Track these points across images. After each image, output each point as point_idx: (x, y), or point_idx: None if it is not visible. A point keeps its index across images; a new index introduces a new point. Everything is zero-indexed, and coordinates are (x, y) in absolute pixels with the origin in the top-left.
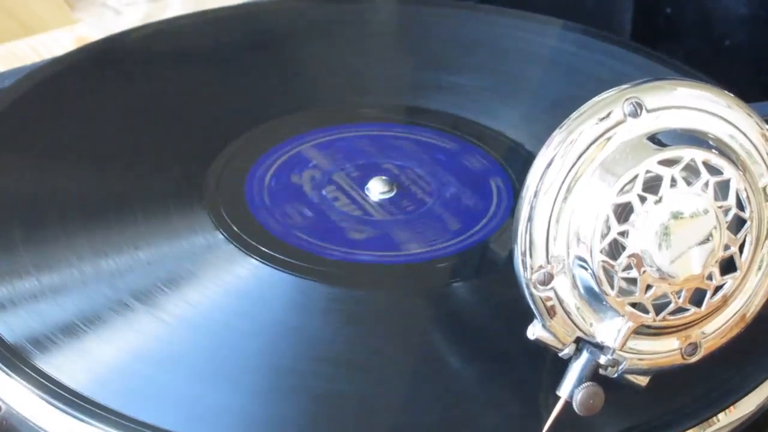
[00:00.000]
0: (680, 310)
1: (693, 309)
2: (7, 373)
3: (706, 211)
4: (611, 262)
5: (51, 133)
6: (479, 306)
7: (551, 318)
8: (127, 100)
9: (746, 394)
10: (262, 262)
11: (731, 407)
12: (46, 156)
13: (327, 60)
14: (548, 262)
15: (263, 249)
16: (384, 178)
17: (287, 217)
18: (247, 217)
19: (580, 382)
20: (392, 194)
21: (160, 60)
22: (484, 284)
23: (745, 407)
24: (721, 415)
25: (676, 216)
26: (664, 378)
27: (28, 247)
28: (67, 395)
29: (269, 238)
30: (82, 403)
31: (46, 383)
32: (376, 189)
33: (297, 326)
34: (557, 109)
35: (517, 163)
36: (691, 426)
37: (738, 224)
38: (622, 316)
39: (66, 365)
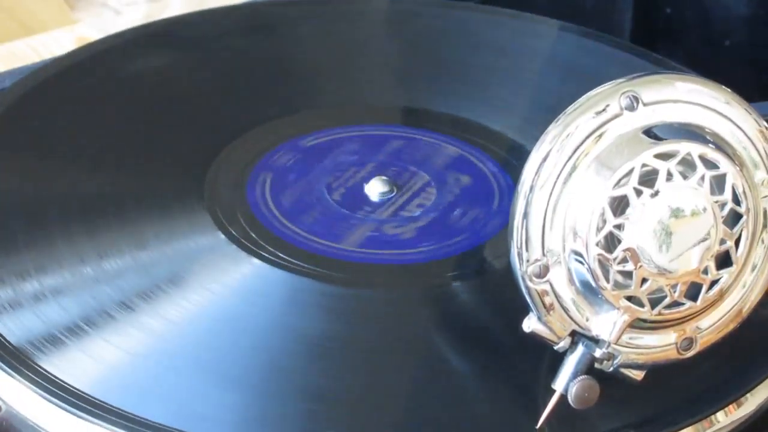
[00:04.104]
0: (676, 304)
1: (688, 303)
2: (7, 373)
3: (704, 208)
4: (607, 255)
5: (51, 133)
6: (479, 306)
7: (547, 311)
8: (128, 100)
9: (746, 394)
10: (263, 262)
11: (731, 407)
12: (46, 156)
13: (327, 60)
14: (544, 256)
15: (264, 249)
16: (384, 178)
17: (287, 217)
18: (248, 217)
19: (575, 375)
20: (392, 194)
21: (161, 60)
22: (485, 284)
23: (745, 407)
24: (721, 416)
25: (674, 213)
26: (664, 377)
27: (29, 247)
28: (67, 394)
29: (270, 238)
30: (82, 402)
31: (46, 383)
32: (376, 189)
33: (297, 326)
34: (557, 109)
35: (517, 163)
36: (691, 425)
37: (734, 219)
38: (618, 309)
39: (67, 365)
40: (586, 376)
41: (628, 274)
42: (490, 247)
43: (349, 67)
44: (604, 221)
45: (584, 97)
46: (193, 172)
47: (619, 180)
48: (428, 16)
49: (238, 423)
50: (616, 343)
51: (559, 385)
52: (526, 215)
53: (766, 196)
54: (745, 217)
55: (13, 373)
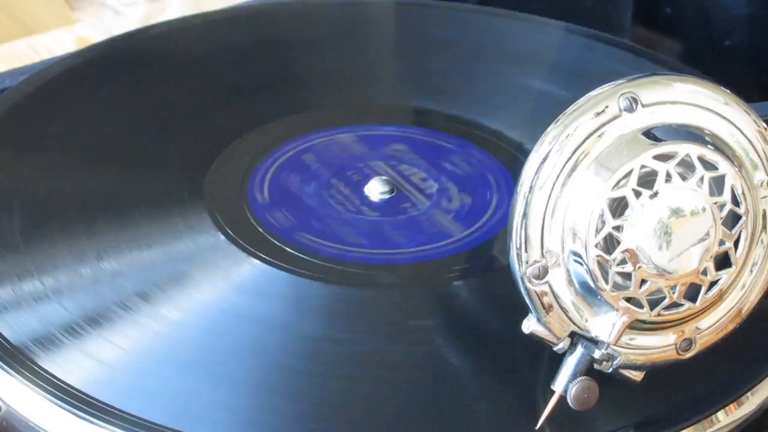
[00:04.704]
0: (675, 305)
1: (687, 304)
2: (7, 372)
3: (704, 209)
4: (606, 256)
5: (52, 133)
6: (479, 305)
7: (546, 313)
8: (128, 101)
9: (746, 393)
10: (263, 262)
11: (731, 407)
12: (47, 156)
13: (327, 60)
14: (543, 257)
15: (264, 249)
16: (384, 178)
17: (288, 217)
18: (248, 218)
19: (574, 376)
20: (392, 195)
21: (161, 61)
22: (484, 283)
23: (745, 407)
24: (721, 415)
25: (674, 213)
26: (664, 377)
27: (29, 247)
28: (67, 394)
29: (270, 238)
30: (82, 401)
31: (47, 382)
32: (376, 189)
33: (298, 326)
34: (557, 108)
35: (517, 162)
36: (691, 424)
37: (733, 219)
38: (617, 310)
39: (67, 365)
40: (585, 377)
41: (627, 276)
42: (490, 247)
43: (349, 67)
44: (603, 222)
45: (584, 98)
46: (193, 173)
47: (618, 181)
48: (428, 16)
49: (238, 424)
50: (615, 344)
51: (558, 385)
52: (525, 216)
53: (765, 197)
54: (744, 218)
55: (14, 373)
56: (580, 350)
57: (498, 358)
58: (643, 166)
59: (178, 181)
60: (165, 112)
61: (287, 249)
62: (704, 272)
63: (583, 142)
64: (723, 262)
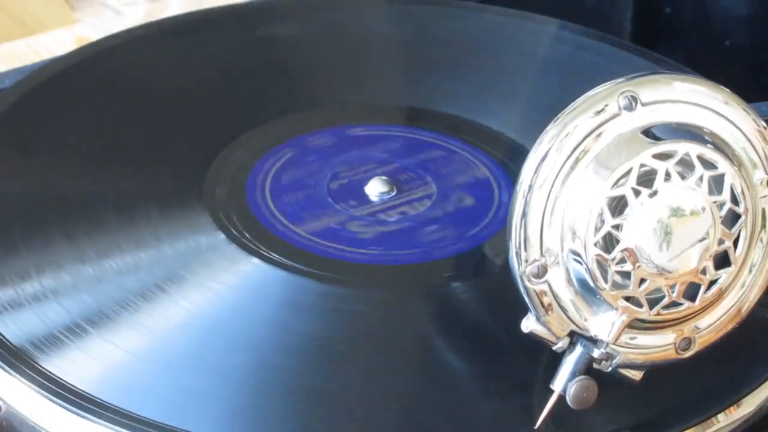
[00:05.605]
0: (674, 304)
1: (687, 303)
2: (8, 372)
3: (703, 208)
4: (605, 255)
5: (51, 133)
6: (478, 306)
7: (545, 311)
8: (127, 100)
9: (746, 394)
10: (263, 262)
11: (731, 407)
12: (46, 156)
13: (327, 60)
14: (542, 256)
15: (264, 249)
16: (384, 178)
17: (287, 217)
18: (248, 217)
19: (573, 375)
20: (392, 195)
21: (161, 60)
22: (484, 285)
23: (745, 407)
24: (721, 415)
25: (673, 212)
26: (664, 377)
27: (28, 247)
28: (68, 394)
29: (270, 238)
30: (82, 401)
31: (47, 382)
32: (376, 189)
33: (296, 325)
34: (557, 109)
35: (517, 163)
36: (691, 426)
37: (732, 219)
38: (616, 309)
39: (67, 364)
40: (584, 376)
41: (626, 275)
42: (490, 247)
43: (349, 67)
44: (603, 221)
45: (583, 97)
46: (193, 172)
47: (618, 180)
48: (429, 15)
49: (237, 422)
50: (614, 344)
51: (557, 385)
52: (524, 215)
53: (764, 196)
54: (743, 217)
55: (14, 373)
56: (579, 349)
57: (497, 357)
58: (642, 165)
59: (178, 181)
60: (164, 111)
61: (286, 248)
62: (703, 271)
63: (583, 140)
64: (722, 261)
